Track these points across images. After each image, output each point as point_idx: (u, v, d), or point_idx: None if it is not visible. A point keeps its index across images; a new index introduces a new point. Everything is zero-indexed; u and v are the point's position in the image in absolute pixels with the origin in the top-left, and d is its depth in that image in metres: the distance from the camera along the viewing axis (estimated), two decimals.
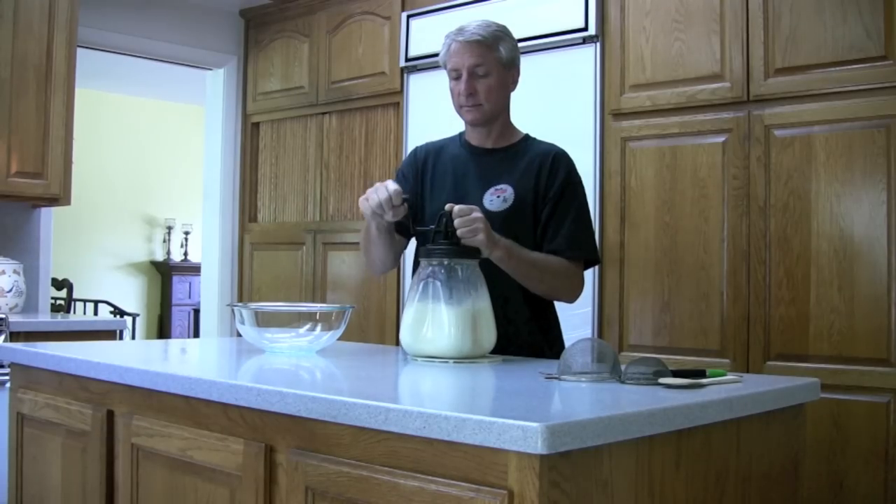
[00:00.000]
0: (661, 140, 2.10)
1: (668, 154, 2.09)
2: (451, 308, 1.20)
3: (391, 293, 2.65)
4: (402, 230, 1.42)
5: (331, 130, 2.96)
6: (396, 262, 1.47)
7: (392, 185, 1.24)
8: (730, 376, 1.05)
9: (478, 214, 1.23)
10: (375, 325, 2.71)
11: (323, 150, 2.98)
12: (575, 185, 1.41)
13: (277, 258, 3.07)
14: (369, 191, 1.27)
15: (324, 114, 2.97)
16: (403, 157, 2.67)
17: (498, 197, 1.38)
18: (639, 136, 2.14)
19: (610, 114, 2.18)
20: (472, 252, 1.23)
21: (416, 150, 1.50)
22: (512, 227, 1.36)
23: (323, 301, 2.85)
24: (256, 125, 3.20)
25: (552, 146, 1.44)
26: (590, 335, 2.11)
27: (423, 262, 1.24)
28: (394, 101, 2.72)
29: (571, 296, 1.40)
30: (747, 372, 1.87)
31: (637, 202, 2.14)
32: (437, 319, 1.20)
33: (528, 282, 1.34)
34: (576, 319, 2.07)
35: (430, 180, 1.46)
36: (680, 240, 2.06)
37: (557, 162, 1.40)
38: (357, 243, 2.88)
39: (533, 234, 1.38)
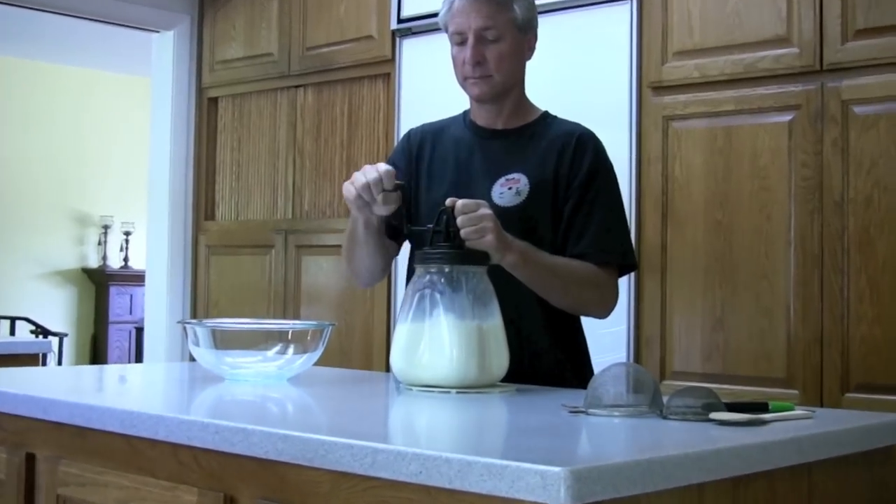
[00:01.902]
0: (712, 119, 2.11)
1: (721, 136, 2.09)
2: (454, 326, 1.20)
3: (380, 308, 2.66)
4: (393, 234, 1.43)
5: (306, 108, 2.98)
6: (386, 270, 1.47)
7: (384, 167, 1.25)
8: (799, 411, 1.06)
9: (486, 211, 1.23)
10: (361, 346, 2.72)
11: (296, 131, 2.99)
12: (605, 174, 1.41)
13: (240, 264, 3.08)
14: (356, 174, 1.27)
15: (297, 87, 2.98)
16: (395, 142, 2.69)
17: (510, 189, 1.39)
18: (684, 115, 2.14)
19: (649, 87, 2.19)
20: (478, 257, 1.24)
21: (409, 134, 1.51)
22: (528, 225, 1.36)
23: (296, 317, 2.86)
24: (214, 101, 3.21)
25: (577, 126, 1.44)
26: (624, 359, 2.11)
27: (418, 269, 1.25)
28: (383, 71, 2.73)
29: (602, 310, 1.41)
30: (820, 406, 1.86)
31: (682, 195, 2.14)
32: (435, 340, 1.20)
33: (549, 293, 1.35)
34: (607, 340, 2.07)
35: (426, 170, 1.46)
36: (736, 242, 2.06)
37: (583, 145, 1.41)
38: (339, 246, 2.86)
39: (554, 235, 1.39)
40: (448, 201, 1.23)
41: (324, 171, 2.92)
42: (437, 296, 1.21)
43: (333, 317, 2.73)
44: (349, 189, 1.27)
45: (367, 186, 1.23)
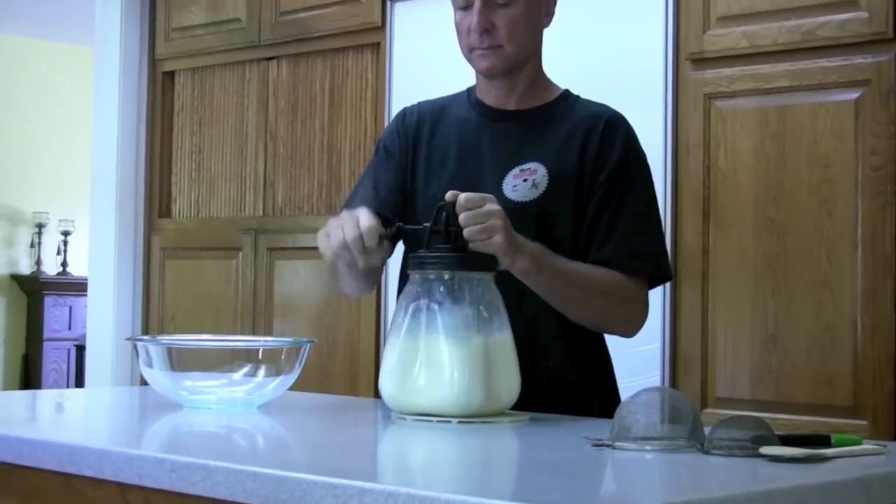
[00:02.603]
0: (763, 97, 2.11)
1: (775, 118, 2.09)
2: (455, 344, 1.20)
3: (368, 321, 2.66)
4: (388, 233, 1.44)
5: (279, 84, 2.98)
6: (378, 278, 1.49)
7: (366, 219, 1.24)
8: (867, 445, 1.06)
9: (494, 207, 1.24)
10: (345, 367, 2.73)
11: (268, 111, 3.00)
12: (637, 165, 1.42)
13: (201, 270, 3.09)
14: (331, 223, 1.27)
15: (269, 59, 2.99)
16: (386, 124, 2.69)
17: (524, 181, 1.39)
18: (730, 92, 2.14)
19: (688, 59, 2.19)
20: (485, 262, 1.24)
21: (404, 113, 1.52)
22: (545, 225, 1.37)
23: (268, 332, 2.87)
24: (170, 75, 3.22)
25: (604, 108, 1.45)
26: (658, 383, 2.10)
27: (413, 275, 1.25)
28: (372, 40, 2.74)
29: (629, 327, 1.41)
30: (893, 439, 1.87)
31: (728, 189, 2.14)
32: (433, 360, 1.21)
33: (567, 305, 1.36)
34: (637, 360, 2.07)
35: (424, 157, 1.47)
36: (792, 244, 2.06)
37: (613, 130, 1.41)
38: (318, 248, 2.88)
39: (575, 237, 1.39)
40: (448, 195, 1.23)
41: (301, 159, 2.92)
42: (435, 307, 1.21)
43: (312, 332, 2.73)
44: (324, 243, 1.28)
45: (346, 246, 1.23)
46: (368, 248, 1.23)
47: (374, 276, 1.42)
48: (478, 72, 1.44)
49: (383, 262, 1.30)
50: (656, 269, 1.41)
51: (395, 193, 1.46)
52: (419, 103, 1.53)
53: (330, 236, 1.26)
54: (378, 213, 1.40)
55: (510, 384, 1.24)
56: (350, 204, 1.50)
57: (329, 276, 1.45)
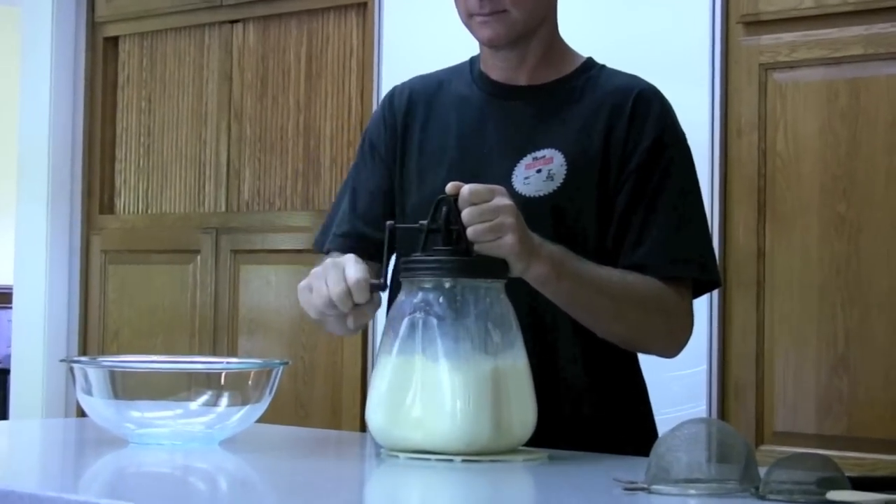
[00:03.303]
0: (831, 68, 2.11)
1: (845, 93, 2.10)
2: (458, 367, 1.21)
3: (352, 339, 2.67)
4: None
5: (246, 52, 2.99)
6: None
7: (354, 271, 1.24)
8: None
9: (504, 201, 1.24)
10: (325, 395, 2.73)
11: (232, 86, 3.00)
12: (676, 149, 1.43)
13: (151, 277, 3.10)
14: (314, 275, 1.27)
15: (233, 22, 3.00)
16: (375, 101, 2.70)
17: (538, 172, 1.40)
18: (791, 62, 2.15)
19: (740, 22, 2.20)
20: (493, 267, 1.24)
21: (392, 96, 1.52)
22: (564, 224, 1.38)
23: (233, 352, 2.88)
24: (113, 42, 3.23)
25: (633, 79, 1.46)
26: (703, 414, 2.11)
27: (406, 284, 1.26)
28: (357, 0, 2.76)
29: (670, 345, 1.42)
30: None
31: (788, 179, 2.14)
32: (432, 386, 1.21)
33: (594, 319, 1.36)
34: (678, 386, 2.08)
35: (416, 147, 1.48)
36: (866, 246, 2.06)
37: (644, 107, 1.42)
38: (294, 252, 2.90)
39: (601, 237, 1.40)
40: (450, 187, 1.23)
41: (272, 143, 2.93)
42: (434, 322, 1.21)
43: (286, 352, 2.74)
44: (307, 301, 1.28)
45: (332, 303, 1.24)
46: (359, 302, 1.23)
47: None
48: (480, 42, 1.44)
49: (377, 309, 1.30)
50: (701, 274, 1.41)
51: (383, 202, 1.47)
52: (411, 80, 1.53)
53: (313, 291, 1.26)
54: (361, 237, 1.42)
55: (524, 415, 1.24)
56: (329, 225, 1.53)
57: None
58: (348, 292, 1.22)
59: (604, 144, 1.40)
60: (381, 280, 1.26)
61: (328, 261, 1.28)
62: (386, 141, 1.49)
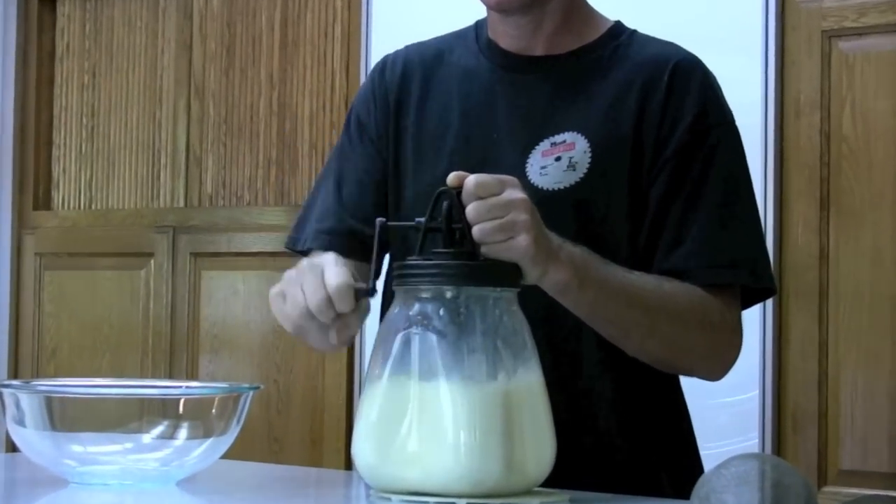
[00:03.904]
0: None
1: None
2: (462, 391, 1.21)
3: (336, 359, 2.69)
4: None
5: (209, 17, 2.99)
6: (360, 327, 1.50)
7: (334, 274, 1.23)
8: None
9: (516, 194, 1.24)
10: (303, 425, 2.74)
11: (192, 58, 3.01)
12: (720, 131, 1.43)
13: (95, 285, 3.10)
14: (287, 280, 1.27)
15: None
16: (363, 76, 2.70)
17: (557, 160, 1.40)
18: (859, 29, 2.16)
19: None
20: (504, 274, 1.25)
21: (383, 66, 1.53)
22: (588, 221, 1.38)
23: (192, 375, 2.89)
24: (50, 4, 3.23)
25: (670, 48, 1.46)
26: (756, 448, 2.12)
27: (400, 293, 1.26)
28: None
29: (716, 364, 1.42)
30: None
31: (857, 167, 2.15)
32: (430, 414, 1.21)
33: (625, 336, 1.37)
34: (725, 415, 2.09)
35: (413, 128, 1.48)
36: None
37: (682, 80, 1.42)
38: (267, 255, 2.89)
39: (632, 237, 1.40)
40: (452, 177, 1.23)
41: (240, 125, 2.93)
42: (433, 339, 1.21)
43: (257, 374, 2.74)
44: (281, 311, 1.28)
45: (309, 314, 1.23)
46: (342, 311, 1.23)
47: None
48: (487, 6, 1.44)
49: (364, 318, 1.30)
50: (752, 281, 1.41)
51: (374, 193, 1.48)
52: (405, 48, 1.54)
53: (286, 299, 1.26)
54: (350, 233, 1.41)
55: (540, 449, 1.24)
56: (305, 219, 1.52)
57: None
58: (329, 300, 1.22)
59: (635, 126, 1.40)
60: (369, 283, 1.25)
61: (304, 262, 1.28)
62: (376, 120, 1.49)
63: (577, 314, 1.33)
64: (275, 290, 1.29)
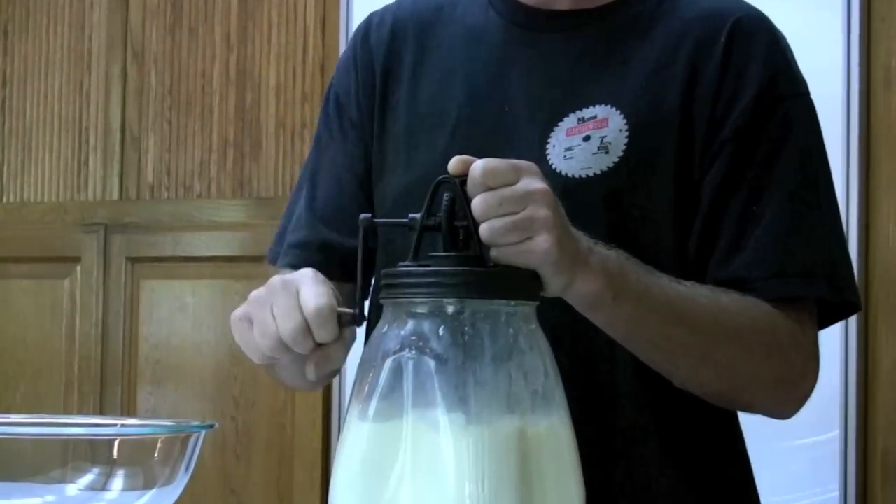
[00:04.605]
0: None
1: None
2: (467, 431, 1.20)
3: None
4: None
5: None
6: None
7: (313, 296, 1.22)
8: None
9: (534, 184, 1.23)
10: (267, 472, 2.74)
11: (129, 12, 3.01)
12: (793, 105, 1.44)
13: (9, 298, 3.11)
14: (254, 301, 1.26)
15: None
16: (342, 38, 2.70)
17: (586, 140, 1.41)
18: None
19: None
20: (518, 284, 1.25)
21: (370, 25, 1.54)
22: (624, 218, 1.39)
23: (130, 410, 2.89)
24: None
25: (730, 3, 1.47)
26: (835, 500, 2.13)
27: (389, 307, 1.25)
28: None
29: (785, 399, 1.43)
30: None
31: None
32: (427, 460, 1.21)
33: (671, 362, 1.37)
34: (799, 460, 2.10)
35: (406, 98, 1.49)
36: None
37: (745, 42, 1.43)
38: (223, 259, 2.88)
39: (680, 237, 1.41)
40: (454, 163, 1.22)
41: (188, 97, 2.93)
42: (431, 365, 1.21)
43: (210, 409, 2.75)
44: (247, 341, 1.27)
45: (282, 344, 1.22)
46: (323, 341, 1.22)
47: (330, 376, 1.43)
48: None
49: (349, 349, 1.30)
50: (831, 295, 1.42)
51: (356, 192, 1.49)
52: (396, 2, 1.55)
53: (253, 325, 1.25)
54: (323, 247, 1.44)
55: (565, 501, 1.24)
56: (285, 227, 1.53)
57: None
58: (306, 328, 1.21)
59: (684, 98, 1.41)
60: (355, 308, 1.25)
61: (275, 280, 1.27)
62: (359, 97, 1.50)
63: (612, 334, 1.33)
64: (238, 313, 1.28)
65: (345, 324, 1.24)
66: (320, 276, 1.25)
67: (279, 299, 1.23)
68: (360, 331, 1.30)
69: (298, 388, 1.50)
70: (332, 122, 1.52)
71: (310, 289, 1.23)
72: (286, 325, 1.22)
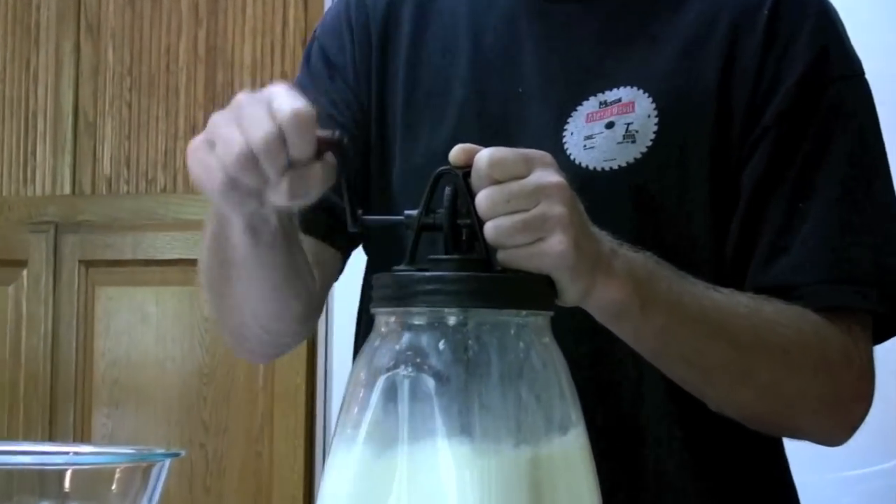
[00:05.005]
0: None
1: None
2: (472, 461, 1.20)
3: (288, 408, 2.68)
4: (329, 225, 1.46)
5: None
6: (310, 320, 1.51)
7: (288, 101, 1.17)
8: None
9: (548, 177, 1.23)
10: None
11: None
12: (844, 88, 1.44)
13: None
14: (216, 120, 1.22)
15: None
16: (325, 12, 2.68)
17: (609, 127, 1.42)
18: None
19: None
20: (530, 291, 1.25)
21: None
22: (653, 215, 1.40)
23: (84, 435, 2.90)
24: None
25: None
26: None
27: (381, 318, 1.25)
28: None
29: (836, 423, 1.43)
30: None
31: None
32: (425, 491, 1.21)
33: (705, 380, 1.37)
34: (853, 493, 2.08)
35: (403, 74, 1.50)
36: None
37: (791, 16, 1.44)
38: (189, 262, 2.88)
39: (716, 236, 1.42)
40: (456, 151, 1.22)
41: (150, 77, 2.93)
42: (430, 385, 1.21)
43: (175, 435, 2.75)
44: (205, 166, 1.22)
45: (251, 158, 1.17)
46: (300, 157, 1.17)
47: (299, 292, 1.43)
48: None
49: (325, 288, 1.29)
50: (888, 305, 1.42)
51: (356, 139, 1.48)
52: None
53: (217, 144, 1.20)
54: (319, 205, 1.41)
55: None
56: None
57: (209, 279, 1.45)
58: (279, 136, 1.16)
59: (722, 80, 1.42)
60: (342, 134, 1.21)
61: (240, 95, 1.22)
62: (355, 59, 1.51)
63: (638, 349, 1.33)
64: (197, 139, 1.23)
65: (329, 146, 1.20)
66: (296, 91, 1.19)
67: (247, 110, 1.18)
68: (342, 340, 1.30)
69: (261, 339, 1.47)
70: (318, 70, 1.52)
71: (285, 95, 1.17)
72: (256, 133, 1.16)
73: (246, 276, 1.40)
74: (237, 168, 1.18)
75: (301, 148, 1.17)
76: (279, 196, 1.20)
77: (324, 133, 1.20)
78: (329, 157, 1.21)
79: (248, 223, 1.33)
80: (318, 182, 1.20)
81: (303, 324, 1.48)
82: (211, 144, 1.20)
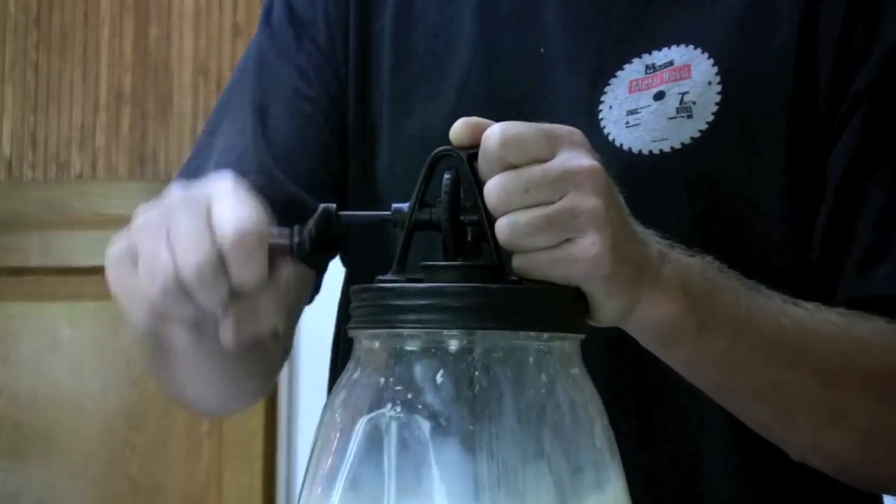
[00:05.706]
0: None
1: None
2: None
3: (242, 451, 2.73)
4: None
5: None
6: (271, 375, 1.54)
7: (232, 210, 1.17)
8: None
9: (578, 160, 1.23)
10: None
11: None
12: None
13: None
14: (142, 227, 1.23)
15: None
16: None
17: (658, 98, 1.42)
18: None
19: None
20: (555, 309, 1.25)
21: None
22: (715, 210, 1.40)
23: None
24: None
25: None
26: None
27: (363, 343, 1.26)
28: None
29: None
30: None
31: None
32: None
33: (785, 419, 1.39)
34: None
35: (393, 36, 1.52)
36: None
37: None
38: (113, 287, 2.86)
39: (796, 238, 1.43)
40: (458, 128, 1.23)
41: (64, 33, 2.95)
42: (425, 429, 1.22)
43: (97, 493, 2.77)
44: (129, 289, 1.23)
45: (181, 288, 1.18)
46: (245, 285, 1.18)
47: (266, 362, 1.46)
48: None
49: (292, 323, 1.29)
50: None
51: (325, 129, 1.50)
52: None
53: (140, 262, 1.21)
54: (278, 194, 1.41)
55: None
56: (199, 167, 1.52)
57: (151, 363, 1.47)
58: (218, 262, 1.16)
59: (802, 36, 1.43)
60: (303, 229, 1.21)
61: (173, 194, 1.23)
62: (325, 12, 1.53)
63: (695, 381, 1.34)
64: (117, 248, 1.24)
65: (280, 256, 1.20)
66: (243, 188, 1.19)
67: (179, 220, 1.18)
68: (311, 368, 1.29)
69: (208, 407, 1.50)
70: (283, 32, 1.54)
71: (227, 203, 1.17)
72: (189, 258, 1.16)
73: (188, 366, 1.40)
74: (163, 300, 1.19)
75: (246, 275, 1.17)
76: (223, 333, 1.21)
77: (279, 239, 1.21)
78: (285, 272, 1.22)
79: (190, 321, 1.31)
80: (268, 315, 1.22)
81: (263, 392, 1.49)
82: (134, 259, 1.22)
